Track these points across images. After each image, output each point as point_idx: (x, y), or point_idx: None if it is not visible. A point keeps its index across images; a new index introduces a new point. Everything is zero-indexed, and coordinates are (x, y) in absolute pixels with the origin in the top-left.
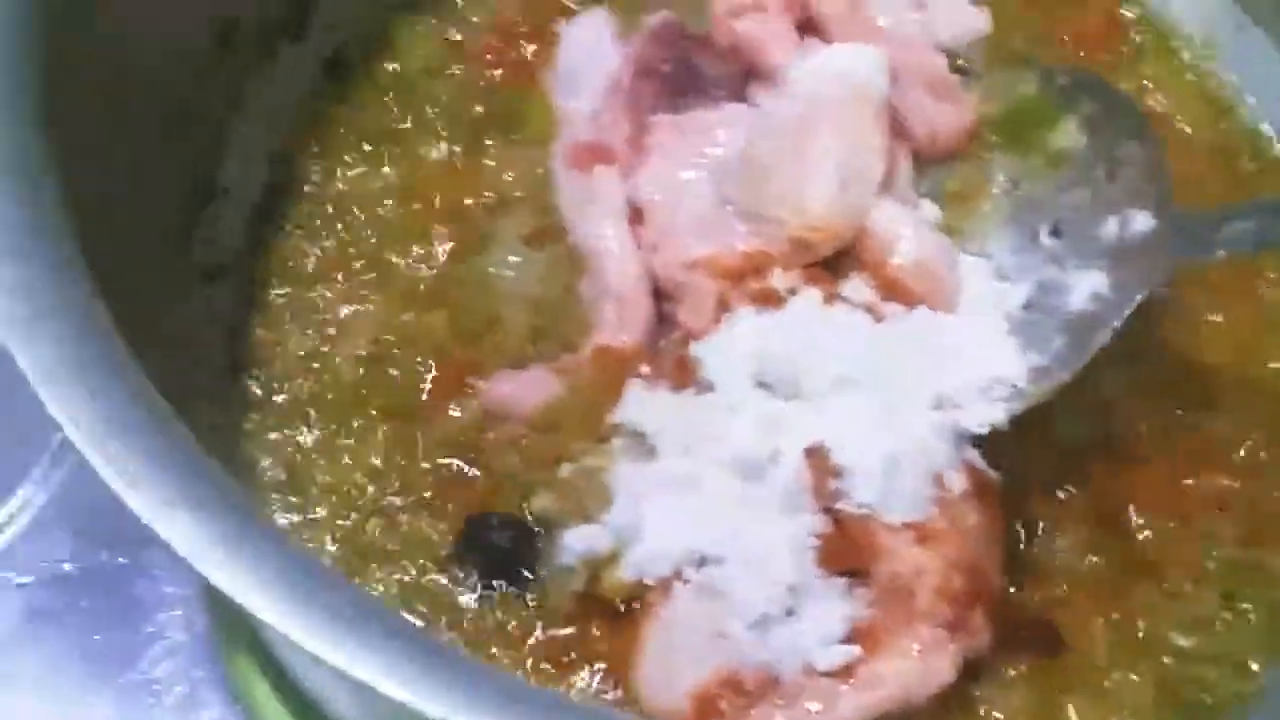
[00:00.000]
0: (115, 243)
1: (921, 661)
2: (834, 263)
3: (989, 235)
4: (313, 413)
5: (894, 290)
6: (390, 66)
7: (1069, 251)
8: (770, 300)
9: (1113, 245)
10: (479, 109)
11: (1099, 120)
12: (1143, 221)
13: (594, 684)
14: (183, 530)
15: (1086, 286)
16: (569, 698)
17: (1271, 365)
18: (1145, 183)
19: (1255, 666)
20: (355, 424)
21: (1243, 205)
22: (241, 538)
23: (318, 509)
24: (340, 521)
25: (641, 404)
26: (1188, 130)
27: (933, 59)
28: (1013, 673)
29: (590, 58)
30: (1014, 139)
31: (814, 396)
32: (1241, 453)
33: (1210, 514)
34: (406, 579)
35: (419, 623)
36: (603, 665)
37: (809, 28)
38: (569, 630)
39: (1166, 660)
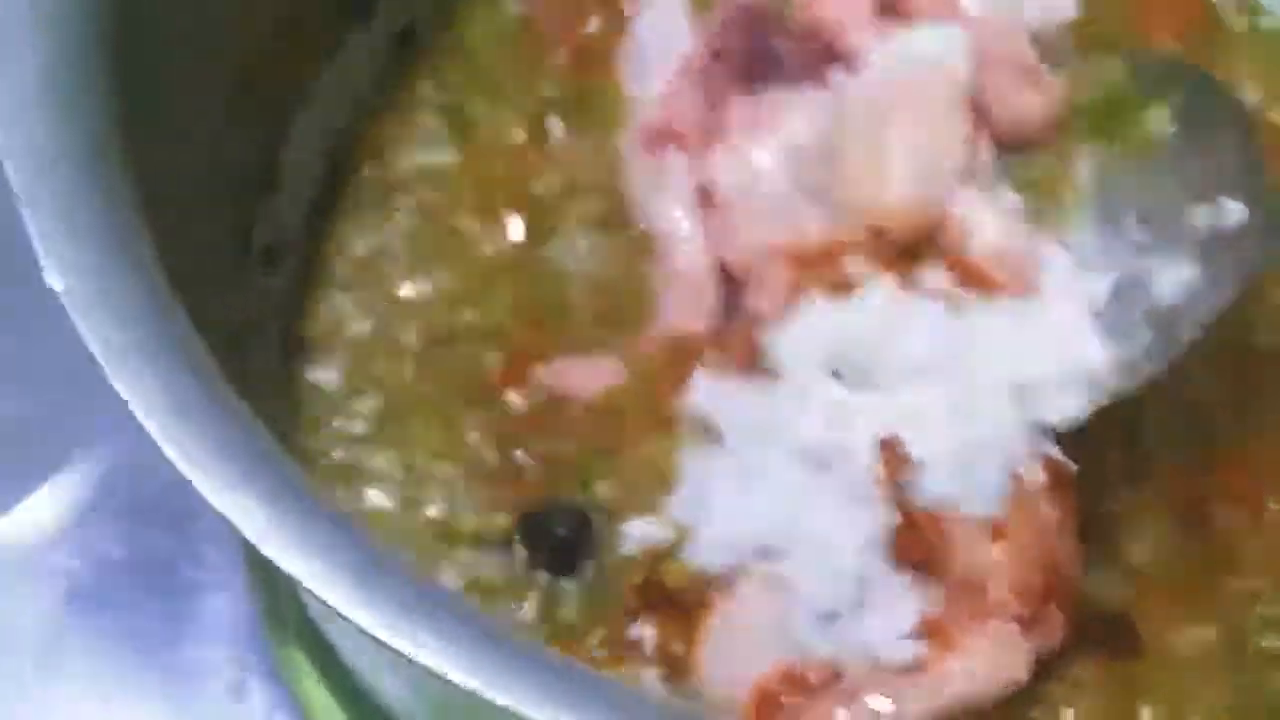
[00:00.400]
0: (173, 227)
1: (993, 658)
2: (911, 250)
3: (1073, 224)
4: (371, 399)
5: (973, 279)
6: (459, 49)
7: (1157, 242)
8: (844, 287)
9: (1203, 236)
10: (549, 91)
11: (1191, 108)
12: (1236, 212)
13: (653, 676)
14: (251, 515)
15: (1175, 278)
16: (642, 689)
17: None
18: (1239, 172)
19: None
20: (415, 410)
21: None
22: (310, 524)
23: (374, 496)
24: (398, 508)
25: (709, 391)
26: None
27: (1018, 43)
28: (1086, 673)
29: (663, 39)
30: (1101, 126)
31: (887, 386)
32: None
33: None
34: (464, 567)
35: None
36: (663, 659)
37: (890, 9)
38: (628, 621)
39: (1248, 662)
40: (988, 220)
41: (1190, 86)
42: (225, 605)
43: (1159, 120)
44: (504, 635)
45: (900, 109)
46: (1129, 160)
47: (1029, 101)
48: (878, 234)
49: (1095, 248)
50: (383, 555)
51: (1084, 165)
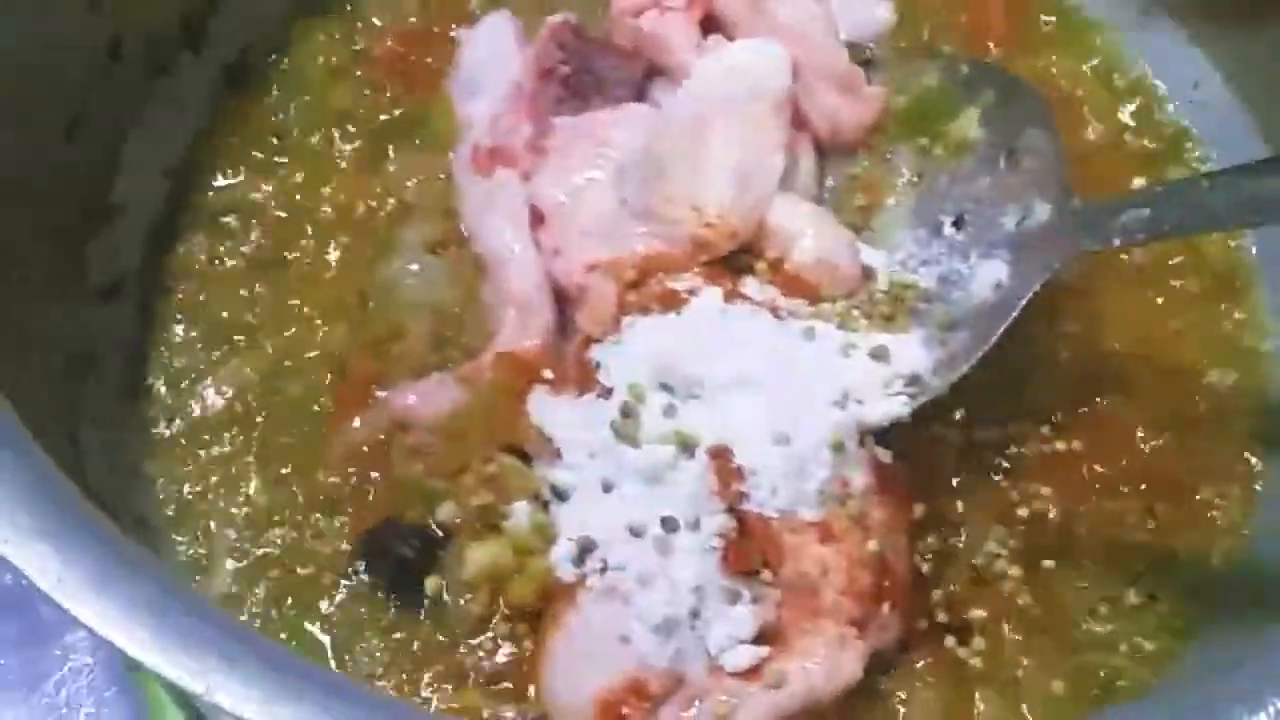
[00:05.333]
0: (5, 263)
1: (829, 659)
2: (736, 259)
3: (893, 228)
4: (214, 427)
5: (795, 286)
6: (291, 75)
7: (971, 242)
8: (670, 301)
9: (1013, 235)
10: (382, 115)
11: (1000, 109)
12: (1042, 211)
13: (501, 697)
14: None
15: (988, 276)
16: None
17: (1173, 348)
18: (1045, 172)
19: (1165, 653)
20: (257, 436)
21: (1138, 193)
22: (106, 570)
23: (217, 524)
24: (244, 537)
25: (546, 409)
26: (1091, 116)
27: (834, 53)
28: (921, 664)
29: (491, 61)
30: (918, 130)
31: (715, 397)
32: (1147, 436)
33: (1117, 498)
34: (309, 594)
35: (325, 639)
36: (510, 681)
37: (711, 25)
38: (475, 642)
39: (1077, 648)
40: (808, 227)
41: (998, 87)
42: (84, 642)
43: (971, 122)
44: (309, 676)
45: (719, 122)
46: (945, 163)
47: (846, 109)
48: (700, 245)
49: (915, 251)
50: (181, 596)
51: (903, 169)
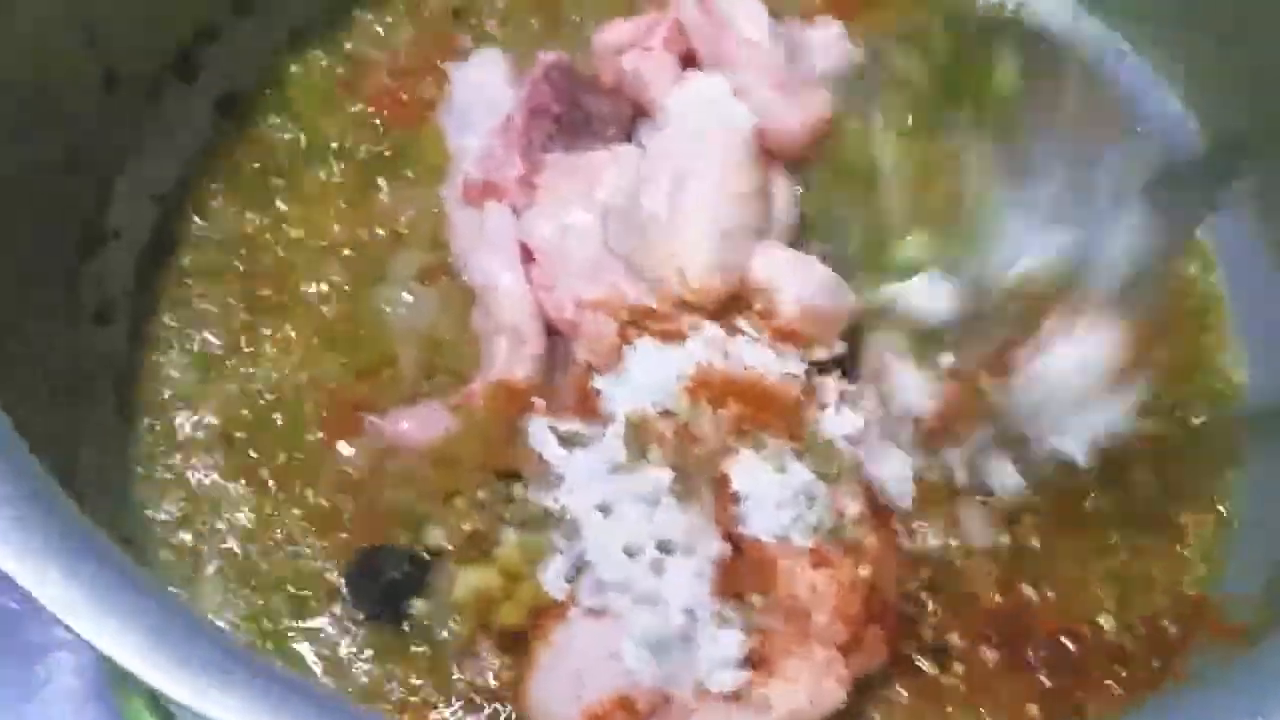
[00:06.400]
0: (4, 286)
1: (814, 684)
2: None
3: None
4: (203, 451)
5: (784, 337)
6: (284, 107)
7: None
8: (672, 335)
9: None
10: (372, 147)
11: (1032, 64)
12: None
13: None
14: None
15: (1121, 239)
16: None
17: None
18: (1106, 116)
19: (1139, 680)
20: (248, 462)
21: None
22: (106, 589)
23: (208, 547)
24: (231, 560)
25: (546, 436)
26: None
27: (771, 55)
28: (901, 688)
29: (483, 96)
30: (953, 99)
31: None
32: (1122, 464)
33: (1093, 525)
34: (297, 616)
35: (314, 662)
36: (499, 701)
37: (692, 61)
38: (463, 664)
39: (1050, 674)
40: (791, 279)
41: (1026, 41)
42: (69, 663)
43: (1008, 78)
44: (302, 692)
45: (696, 169)
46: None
47: (792, 111)
48: (684, 306)
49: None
50: (183, 617)
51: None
